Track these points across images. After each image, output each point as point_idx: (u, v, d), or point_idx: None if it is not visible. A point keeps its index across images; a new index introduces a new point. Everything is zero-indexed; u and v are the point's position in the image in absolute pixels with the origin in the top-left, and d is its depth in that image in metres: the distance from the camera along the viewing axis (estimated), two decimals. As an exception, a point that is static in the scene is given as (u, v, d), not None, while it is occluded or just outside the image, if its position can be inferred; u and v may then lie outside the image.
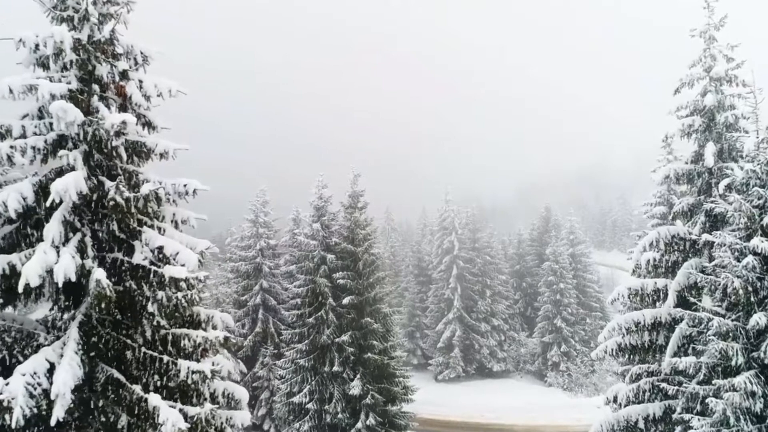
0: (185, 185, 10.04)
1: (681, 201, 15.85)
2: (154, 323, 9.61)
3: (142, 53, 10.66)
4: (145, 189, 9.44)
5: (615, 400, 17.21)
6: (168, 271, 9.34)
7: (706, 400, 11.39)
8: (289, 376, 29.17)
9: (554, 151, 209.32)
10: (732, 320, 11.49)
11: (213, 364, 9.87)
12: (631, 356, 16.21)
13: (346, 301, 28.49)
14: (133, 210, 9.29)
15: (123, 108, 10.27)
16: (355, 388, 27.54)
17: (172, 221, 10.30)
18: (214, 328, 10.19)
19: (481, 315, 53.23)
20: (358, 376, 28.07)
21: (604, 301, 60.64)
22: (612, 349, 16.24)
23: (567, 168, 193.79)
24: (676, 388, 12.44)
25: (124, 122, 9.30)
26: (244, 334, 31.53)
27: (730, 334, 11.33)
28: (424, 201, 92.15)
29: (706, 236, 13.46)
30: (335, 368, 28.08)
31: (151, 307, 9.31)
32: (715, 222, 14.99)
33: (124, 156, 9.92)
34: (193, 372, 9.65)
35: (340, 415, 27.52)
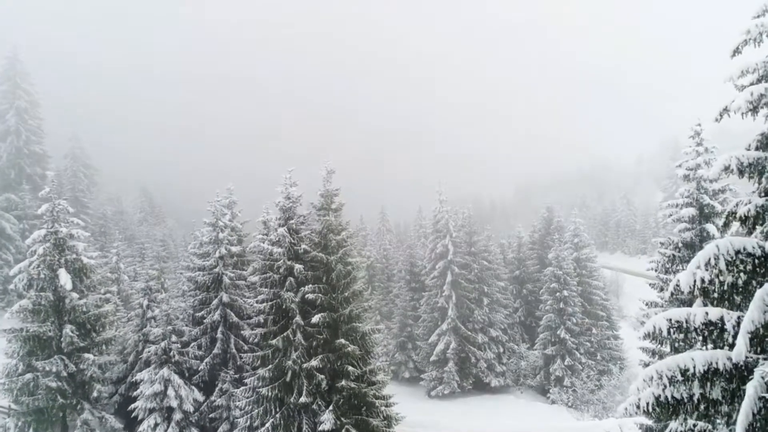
0: None
1: (743, 203, 11.54)
2: None
3: None
4: None
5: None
6: None
7: None
8: (249, 407, 24.92)
9: (554, 149, 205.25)
10: None
11: None
12: (674, 414, 11.90)
13: (316, 319, 24.29)
14: None
15: None
16: (327, 422, 23.41)
17: None
18: None
19: (477, 325, 48.96)
20: (331, 407, 23.90)
21: (611, 309, 56.32)
22: (648, 404, 11.92)
23: (567, 166, 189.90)
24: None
25: None
26: (201, 355, 27.19)
27: None
28: (421, 200, 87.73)
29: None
30: (303, 398, 23.90)
31: None
32: (796, 232, 10.73)
33: None
34: None
35: (308, 455, 23.30)
